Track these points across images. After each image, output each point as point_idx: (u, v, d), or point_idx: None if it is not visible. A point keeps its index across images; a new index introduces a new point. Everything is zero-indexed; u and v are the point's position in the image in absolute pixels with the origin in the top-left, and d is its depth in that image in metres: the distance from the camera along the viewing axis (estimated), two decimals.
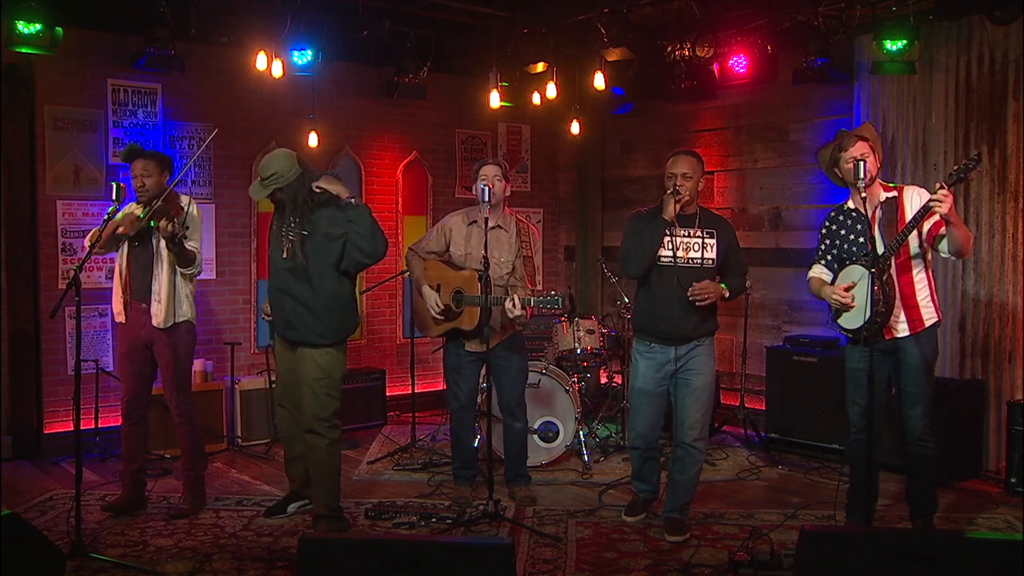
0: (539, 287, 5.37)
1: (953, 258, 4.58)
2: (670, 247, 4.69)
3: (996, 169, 5.94)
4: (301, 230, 4.76)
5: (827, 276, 4.74)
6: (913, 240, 4.45)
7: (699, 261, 4.72)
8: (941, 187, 4.18)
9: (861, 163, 4.32)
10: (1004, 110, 5.90)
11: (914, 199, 4.45)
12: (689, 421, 4.77)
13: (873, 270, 4.28)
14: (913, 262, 4.50)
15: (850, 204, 4.67)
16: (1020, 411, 5.58)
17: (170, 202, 4.89)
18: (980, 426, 6.00)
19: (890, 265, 4.45)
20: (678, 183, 4.65)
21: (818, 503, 5.37)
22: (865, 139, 4.56)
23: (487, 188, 5.00)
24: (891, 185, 4.62)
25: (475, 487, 5.51)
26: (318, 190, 4.78)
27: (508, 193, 5.34)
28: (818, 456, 6.36)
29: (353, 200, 4.77)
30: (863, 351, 4.51)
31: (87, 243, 5.27)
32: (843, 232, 4.66)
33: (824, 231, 4.78)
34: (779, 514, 5.20)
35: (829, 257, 4.74)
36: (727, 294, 4.73)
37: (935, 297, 4.58)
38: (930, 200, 4.19)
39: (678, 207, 4.64)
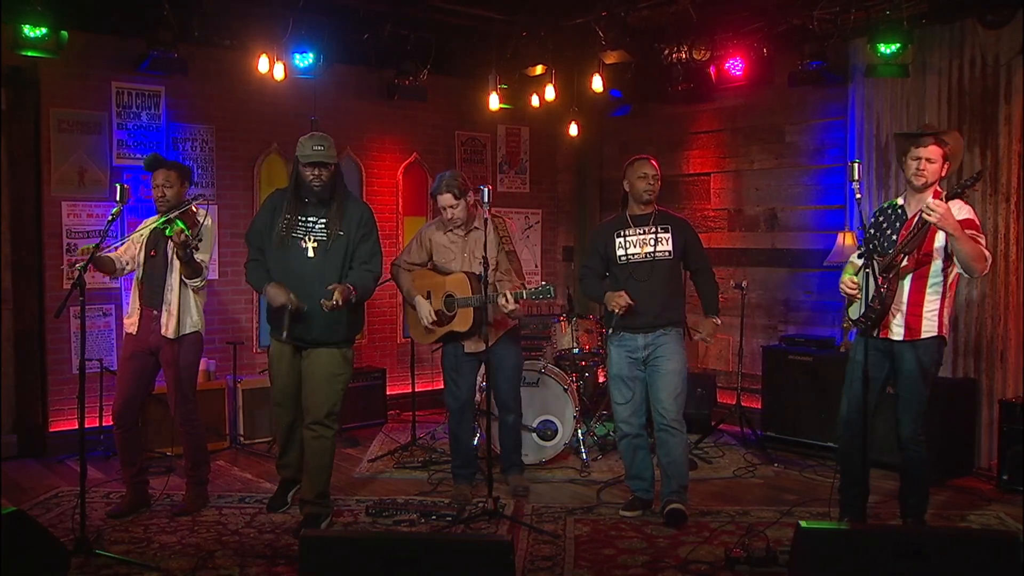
0: (526, 280, 5.48)
1: (966, 276, 4.51)
2: (623, 247, 5.09)
3: (988, 171, 6.00)
4: (338, 229, 4.83)
5: (859, 263, 4.76)
6: (938, 253, 4.45)
7: (652, 255, 5.06)
8: (939, 199, 4.23)
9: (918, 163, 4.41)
10: (996, 112, 5.97)
11: (957, 208, 4.39)
12: (663, 404, 5.00)
13: (871, 271, 4.32)
14: (931, 272, 4.49)
15: (899, 200, 4.72)
16: (1012, 409, 5.65)
17: (187, 215, 4.95)
18: (973, 424, 6.07)
19: (898, 267, 4.47)
20: (651, 184, 5.07)
21: (813, 500, 5.44)
22: (944, 144, 4.50)
23: (486, 190, 5.04)
24: (940, 192, 4.55)
25: (474, 485, 5.57)
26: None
27: (471, 200, 5.38)
28: (814, 454, 6.43)
29: (351, 298, 4.79)
30: (863, 345, 4.57)
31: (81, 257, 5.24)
32: (884, 226, 4.71)
33: (872, 221, 4.82)
34: (775, 511, 5.25)
35: (874, 245, 4.69)
36: (717, 321, 5.18)
37: (944, 313, 4.53)
38: (922, 210, 4.25)
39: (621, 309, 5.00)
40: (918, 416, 4.59)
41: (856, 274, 4.66)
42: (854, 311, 4.65)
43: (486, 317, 5.15)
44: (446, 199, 5.30)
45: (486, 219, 5.19)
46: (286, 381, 5.08)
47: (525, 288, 5.14)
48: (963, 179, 4.31)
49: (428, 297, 5.42)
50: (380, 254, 5.02)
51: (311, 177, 4.78)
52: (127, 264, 5.23)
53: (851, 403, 4.69)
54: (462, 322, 5.31)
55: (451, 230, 5.39)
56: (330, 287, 4.68)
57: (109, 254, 5.13)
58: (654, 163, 5.13)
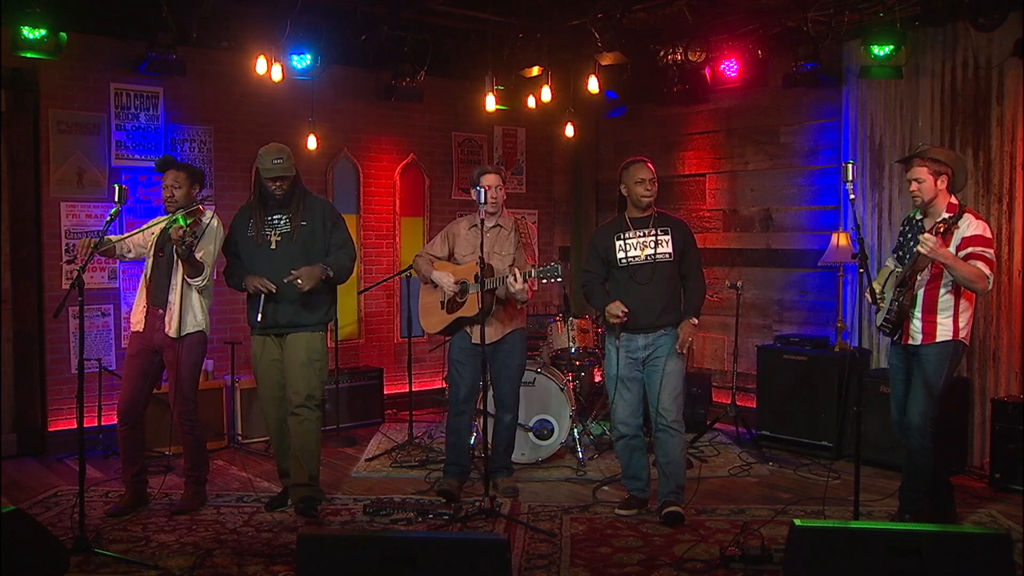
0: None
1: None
2: (623, 249, 5.10)
3: (981, 172, 6.05)
4: (300, 221, 5.11)
5: (892, 266, 5.01)
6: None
7: (652, 257, 5.07)
8: (929, 233, 4.47)
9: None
10: (988, 114, 6.02)
11: (967, 225, 4.62)
12: (663, 404, 5.03)
13: (865, 273, 4.43)
14: (943, 281, 4.70)
15: (919, 215, 4.90)
16: (1004, 408, 5.70)
17: (192, 213, 5.10)
18: (965, 423, 6.11)
19: (915, 278, 4.69)
20: (649, 188, 5.07)
21: (808, 499, 5.48)
22: (932, 161, 4.71)
23: (483, 191, 5.16)
24: (956, 204, 4.74)
25: (464, 482, 5.59)
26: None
27: (504, 197, 5.57)
28: (808, 453, 6.48)
29: (329, 274, 5.11)
30: (895, 351, 4.90)
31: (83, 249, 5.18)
32: (909, 236, 4.90)
33: (900, 230, 5.07)
34: (769, 510, 5.28)
35: (900, 253, 4.98)
36: (695, 321, 5.10)
37: (959, 318, 4.72)
38: (917, 240, 4.50)
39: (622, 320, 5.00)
40: (926, 410, 4.75)
41: (884, 282, 4.89)
42: (880, 318, 4.88)
43: (483, 303, 5.19)
44: (492, 179, 5.44)
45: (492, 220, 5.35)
46: (270, 376, 5.22)
47: (534, 268, 5.20)
48: (945, 217, 4.56)
49: None
50: (352, 241, 5.32)
51: (273, 188, 5.11)
52: (130, 251, 5.32)
53: (893, 406, 4.95)
54: (470, 307, 5.39)
55: (475, 225, 5.36)
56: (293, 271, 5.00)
57: (111, 237, 5.20)
58: (650, 166, 5.14)
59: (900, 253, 4.97)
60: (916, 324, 4.74)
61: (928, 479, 4.85)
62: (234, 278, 5.28)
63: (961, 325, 4.73)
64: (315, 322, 5.15)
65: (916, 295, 4.72)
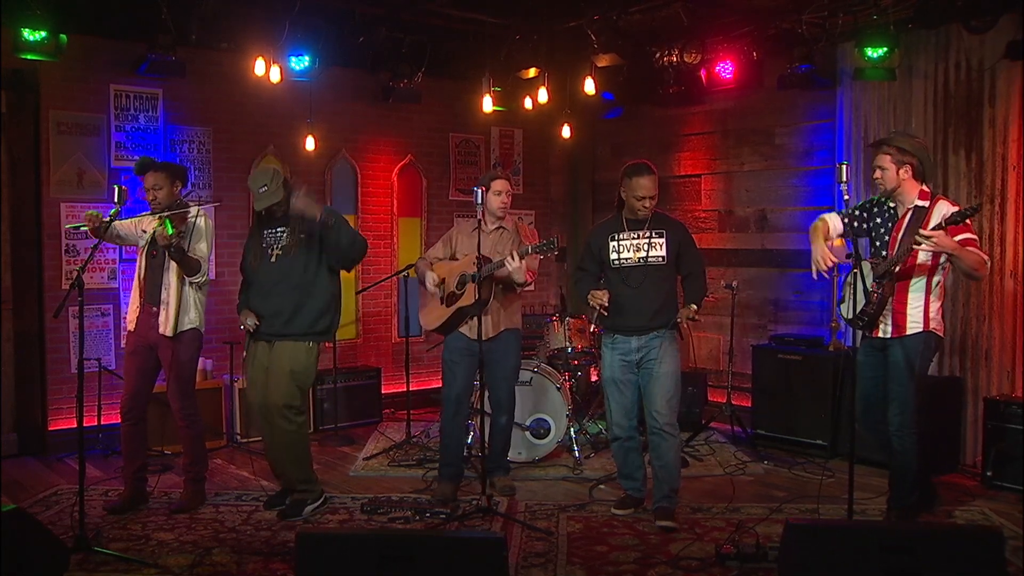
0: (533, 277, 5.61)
1: (971, 280, 4.83)
2: (616, 251, 5.10)
3: (973, 173, 6.10)
4: (299, 234, 5.10)
5: (837, 228, 4.90)
6: (924, 252, 4.64)
7: (644, 259, 5.05)
8: (927, 200, 4.48)
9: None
10: (980, 115, 6.06)
11: (941, 212, 4.59)
12: (657, 406, 5.02)
13: (859, 271, 4.47)
14: (915, 272, 4.69)
15: (891, 203, 4.86)
16: (996, 407, 5.75)
17: (178, 215, 5.07)
18: (958, 422, 6.16)
19: (893, 275, 4.68)
20: (647, 206, 5.00)
21: (802, 497, 5.51)
22: (897, 150, 4.70)
23: (480, 192, 5.21)
24: (928, 192, 4.74)
25: (459, 484, 5.60)
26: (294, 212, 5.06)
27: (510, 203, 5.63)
28: (803, 451, 6.52)
29: (329, 221, 5.05)
30: (865, 346, 4.85)
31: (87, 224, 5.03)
32: (879, 220, 4.87)
33: (864, 202, 5.01)
34: (764, 508, 5.31)
35: (851, 218, 4.89)
36: (695, 307, 5.05)
37: (929, 310, 4.70)
38: (916, 237, 4.46)
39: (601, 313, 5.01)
40: (904, 408, 4.74)
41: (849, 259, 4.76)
42: (844, 309, 4.83)
43: (480, 293, 5.22)
44: (503, 184, 5.52)
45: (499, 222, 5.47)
46: (259, 380, 5.24)
47: (530, 245, 5.20)
48: (959, 209, 4.46)
49: (443, 282, 5.57)
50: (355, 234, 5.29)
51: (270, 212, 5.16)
52: (118, 236, 5.31)
53: (858, 401, 4.93)
54: (468, 298, 5.42)
55: (476, 229, 5.33)
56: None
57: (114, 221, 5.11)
58: (653, 179, 5.01)
59: (866, 227, 4.89)
60: (887, 317, 4.73)
61: (914, 475, 4.86)
62: (239, 302, 5.36)
63: (932, 315, 4.71)
64: (302, 332, 5.14)
65: (893, 286, 4.71)
